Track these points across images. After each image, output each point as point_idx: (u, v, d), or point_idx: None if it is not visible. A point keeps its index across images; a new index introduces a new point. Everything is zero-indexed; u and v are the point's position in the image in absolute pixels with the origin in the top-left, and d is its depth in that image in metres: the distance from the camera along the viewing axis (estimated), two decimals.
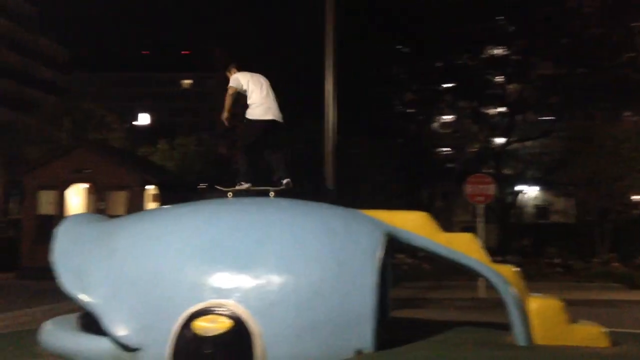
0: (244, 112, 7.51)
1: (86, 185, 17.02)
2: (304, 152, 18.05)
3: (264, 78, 7.61)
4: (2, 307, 9.85)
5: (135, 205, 16.29)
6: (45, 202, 16.48)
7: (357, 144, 20.13)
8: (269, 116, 7.42)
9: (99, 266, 5.83)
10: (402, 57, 27.43)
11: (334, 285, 5.52)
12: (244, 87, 7.46)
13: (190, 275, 5.50)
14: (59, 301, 9.94)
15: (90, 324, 5.78)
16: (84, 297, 5.63)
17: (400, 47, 27.01)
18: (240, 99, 7.59)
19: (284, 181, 7.46)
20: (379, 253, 5.68)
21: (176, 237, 5.84)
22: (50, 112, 27.84)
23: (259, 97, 7.42)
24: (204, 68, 67.39)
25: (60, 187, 16.40)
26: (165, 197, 18.00)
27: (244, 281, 5.42)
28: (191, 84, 70.84)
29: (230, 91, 7.45)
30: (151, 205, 17.29)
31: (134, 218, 6.56)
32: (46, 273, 15.37)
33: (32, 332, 6.77)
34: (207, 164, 25.26)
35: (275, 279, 5.45)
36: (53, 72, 54.17)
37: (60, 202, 16.43)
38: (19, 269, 16.25)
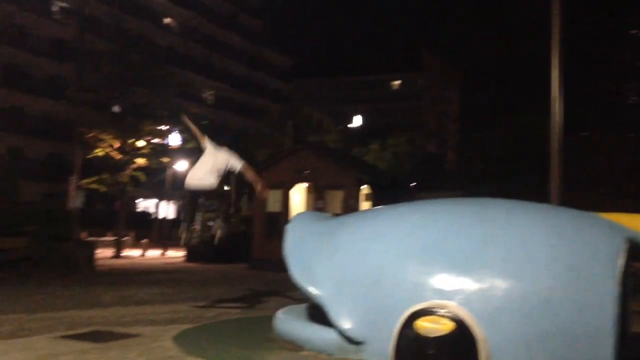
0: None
1: (306, 185, 18.16)
2: (527, 149, 17.13)
3: None
4: (243, 294, 10.88)
5: (350, 204, 16.96)
6: (272, 201, 17.93)
7: (586, 139, 18.50)
8: None
9: (324, 261, 6.16)
10: (636, 42, 24.58)
11: (566, 294, 5.10)
12: None
13: (411, 275, 5.52)
14: (287, 292, 10.76)
15: (318, 314, 6.12)
16: (312, 290, 5.99)
17: (635, 31, 24.21)
18: None
19: None
20: (621, 260, 5.12)
21: (398, 236, 5.92)
22: (275, 117, 30.36)
23: None
24: (412, 68, 67.84)
25: (285, 187, 17.72)
26: (378, 196, 18.46)
27: (467, 284, 5.28)
28: (400, 85, 71.84)
29: None
30: (365, 204, 17.85)
31: (357, 217, 6.80)
32: (274, 265, 16.80)
33: (266, 319, 7.40)
34: (417, 163, 25.36)
35: (501, 284, 5.22)
36: (277, 80, 59.09)
37: (285, 201, 17.75)
38: (252, 261, 17.93)
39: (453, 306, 5.19)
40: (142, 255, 25.20)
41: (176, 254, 25.15)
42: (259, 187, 8.57)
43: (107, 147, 24.67)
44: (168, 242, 27.59)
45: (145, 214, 45.27)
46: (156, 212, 39.55)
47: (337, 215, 12.99)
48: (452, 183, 26.19)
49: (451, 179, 26.64)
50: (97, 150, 24.81)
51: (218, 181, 8.22)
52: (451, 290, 5.28)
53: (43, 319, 7.52)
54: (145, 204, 49.38)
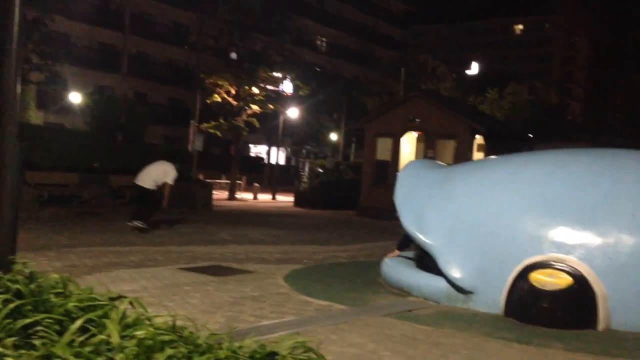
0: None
1: (417, 134, 17.83)
2: None
3: None
4: (349, 240, 11.04)
5: (462, 154, 16.47)
6: (382, 149, 17.84)
7: None
8: None
9: (437, 210, 6.06)
10: None
11: None
12: None
13: (529, 227, 5.30)
14: (394, 239, 10.78)
15: (426, 262, 6.08)
16: (422, 238, 5.93)
17: None
18: None
19: None
20: None
21: (517, 187, 5.68)
22: (388, 65, 29.79)
23: None
24: (537, 11, 63.49)
25: (396, 135, 17.51)
26: (493, 147, 17.78)
27: (589, 238, 5.00)
28: (523, 30, 67.62)
29: None
30: (478, 154, 17.27)
31: (473, 165, 6.61)
32: (381, 212, 16.81)
33: (373, 264, 7.47)
34: (538, 113, 23.99)
35: (627, 239, 4.89)
36: (392, 27, 57.77)
37: (395, 149, 17.57)
38: (359, 208, 18.09)
39: (572, 261, 4.95)
40: (254, 198, 26.20)
41: (285, 199, 25.94)
42: (164, 202, 10.36)
43: (224, 93, 25.54)
44: (278, 187, 28.47)
45: (257, 159, 46.89)
46: (268, 158, 40.81)
47: (449, 164, 12.66)
48: (575, 135, 24.63)
49: (574, 130, 25.05)
50: (214, 96, 25.75)
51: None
52: (572, 244, 5.02)
53: (166, 252, 8.07)
54: (257, 150, 51.10)
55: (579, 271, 4.87)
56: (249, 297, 5.41)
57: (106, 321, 2.58)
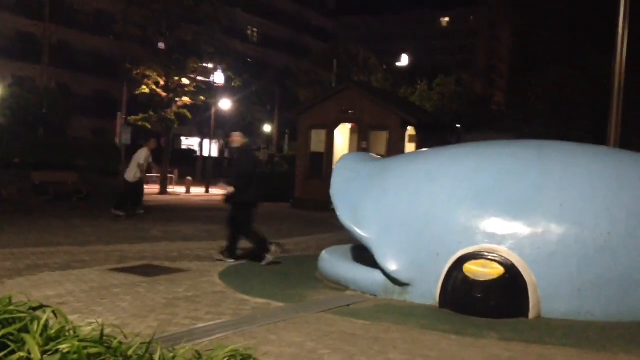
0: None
1: (350, 125, 17.91)
2: (585, 91, 16.38)
3: None
4: (286, 233, 10.96)
5: (394, 145, 16.71)
6: (315, 141, 17.82)
7: None
8: None
9: (372, 203, 6.06)
10: None
11: (626, 241, 4.91)
12: None
13: (462, 218, 5.38)
14: (329, 232, 10.80)
15: (363, 255, 6.08)
16: (358, 231, 5.92)
17: None
18: None
19: None
20: None
21: (449, 179, 5.76)
22: (320, 56, 29.78)
23: None
24: (463, 4, 65.30)
25: (329, 127, 17.52)
26: (424, 138, 18.12)
27: (519, 228, 5.13)
28: (449, 22, 69.35)
29: None
30: (409, 145, 17.56)
31: (406, 158, 6.64)
32: (316, 204, 16.80)
33: (309, 259, 7.43)
34: (465, 104, 24.67)
35: (556, 229, 5.05)
36: (322, 18, 57.85)
37: (329, 141, 17.59)
38: (294, 200, 18.02)
39: (503, 251, 5.06)
40: (187, 192, 25.66)
41: (219, 192, 25.55)
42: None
43: (153, 85, 24.80)
44: (212, 180, 28.00)
45: (189, 152, 45.96)
46: (200, 150, 40.08)
47: (383, 157, 12.73)
48: (500, 125, 25.47)
49: (499, 120, 25.92)
50: (142, 88, 24.97)
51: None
52: (503, 234, 5.14)
53: (94, 252, 7.73)
54: (189, 142, 50.08)
55: (509, 261, 4.99)
56: (183, 297, 5.24)
57: (25, 336, 2.38)
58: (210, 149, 31.15)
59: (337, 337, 4.17)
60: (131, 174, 12.27)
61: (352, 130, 18.05)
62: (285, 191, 18.77)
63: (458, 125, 23.38)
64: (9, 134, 15.57)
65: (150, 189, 23.92)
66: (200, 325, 4.30)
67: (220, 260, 7.38)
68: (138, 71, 24.93)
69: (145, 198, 18.88)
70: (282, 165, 22.42)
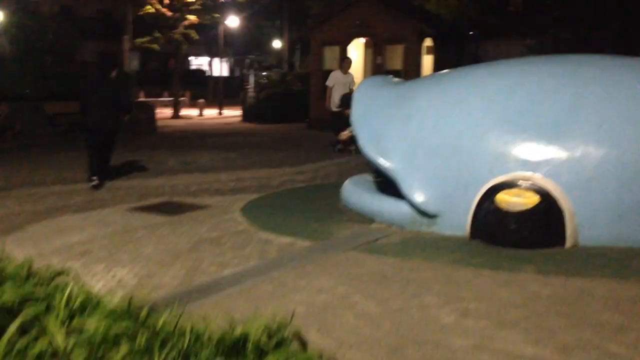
0: None
1: (364, 40, 17.25)
2: None
3: None
4: (304, 159, 10.69)
5: (411, 59, 16.13)
6: (329, 58, 17.23)
7: None
8: None
9: (396, 131, 5.78)
10: None
11: None
12: None
13: (492, 145, 5.11)
14: (348, 154, 10.58)
15: (388, 185, 5.88)
16: (382, 162, 5.68)
17: None
18: None
19: None
20: None
21: (478, 102, 5.43)
22: None
23: None
24: None
25: (343, 43, 16.88)
26: (441, 48, 17.46)
27: (555, 153, 4.85)
28: None
29: None
30: (426, 57, 16.95)
31: (431, 80, 6.27)
32: (329, 124, 16.47)
33: (331, 187, 7.25)
34: (484, 8, 23.49)
35: (593, 152, 4.77)
36: None
37: (343, 57, 16.98)
38: (309, 121, 17.70)
39: (538, 178, 4.81)
40: (200, 114, 25.41)
41: (232, 113, 25.27)
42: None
43: (157, 3, 23.97)
44: (224, 100, 27.66)
45: (199, 72, 45.24)
46: (210, 70, 39.38)
47: (401, 73, 12.18)
48: (520, 29, 24.31)
49: (517, 24, 24.71)
50: (147, 7, 24.15)
51: None
52: (537, 161, 4.87)
53: (113, 189, 7.63)
54: (198, 62, 49.17)
55: (545, 188, 4.76)
56: (207, 239, 5.13)
57: (48, 320, 2.24)
58: (221, 68, 30.55)
59: (368, 279, 4.04)
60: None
61: (366, 45, 17.41)
62: (301, 110, 18.39)
63: (471, 33, 22.38)
64: (17, 64, 15.20)
65: (163, 112, 23.75)
66: (227, 272, 4.19)
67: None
68: None
69: (159, 123, 18.73)
70: (295, 83, 21.84)
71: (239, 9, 32.74)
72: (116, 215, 6.06)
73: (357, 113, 6.24)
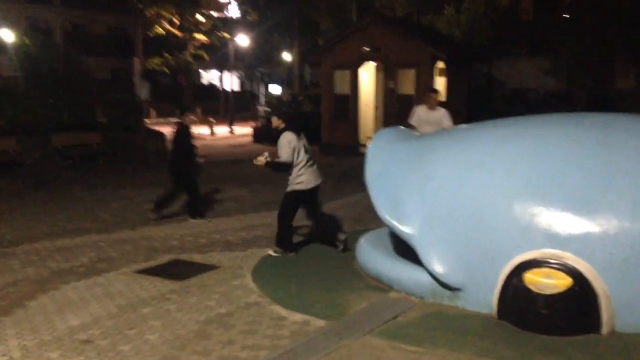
0: None
1: (375, 64, 16.97)
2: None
3: None
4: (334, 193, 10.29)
5: (423, 82, 15.80)
6: (340, 82, 16.91)
7: None
8: None
9: (413, 193, 5.47)
10: None
11: None
12: None
13: (518, 215, 4.78)
14: (361, 190, 10.24)
15: (404, 243, 5.56)
16: (400, 227, 5.38)
17: None
18: None
19: None
20: None
21: (502, 166, 5.10)
22: None
23: None
24: None
25: (353, 67, 16.60)
26: (454, 71, 17.12)
27: (586, 229, 4.52)
28: None
29: None
30: (439, 80, 16.62)
31: (450, 137, 5.94)
32: (344, 150, 16.23)
33: (348, 239, 6.94)
34: (496, 28, 23.13)
35: (629, 229, 4.43)
36: None
37: (354, 82, 16.71)
38: (321, 145, 17.42)
39: (570, 257, 4.48)
40: (211, 134, 25.23)
41: (243, 131, 25.11)
42: None
43: (167, 24, 23.92)
44: (235, 115, 27.52)
45: (210, 87, 45.20)
46: (221, 85, 39.27)
47: (413, 98, 11.74)
48: (532, 44, 23.93)
49: (530, 37, 24.29)
50: (156, 28, 24.11)
51: None
52: (567, 236, 4.54)
53: (121, 242, 7.38)
54: (209, 76, 49.13)
55: (577, 269, 4.43)
56: (216, 317, 4.84)
57: None
58: (232, 82, 30.34)
59: None
60: None
61: (377, 68, 17.14)
62: (312, 131, 18.04)
63: (483, 52, 21.96)
64: (27, 97, 15.02)
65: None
66: None
67: None
68: (151, 11, 24.03)
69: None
70: (307, 104, 21.60)
71: (248, 25, 32.63)
72: (121, 283, 5.79)
73: (372, 172, 5.95)
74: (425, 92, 9.12)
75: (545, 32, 24.41)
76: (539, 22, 27.66)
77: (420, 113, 9.12)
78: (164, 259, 6.66)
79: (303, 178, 6.53)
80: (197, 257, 6.71)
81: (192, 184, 8.53)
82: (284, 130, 6.59)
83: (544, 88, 21.83)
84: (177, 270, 6.22)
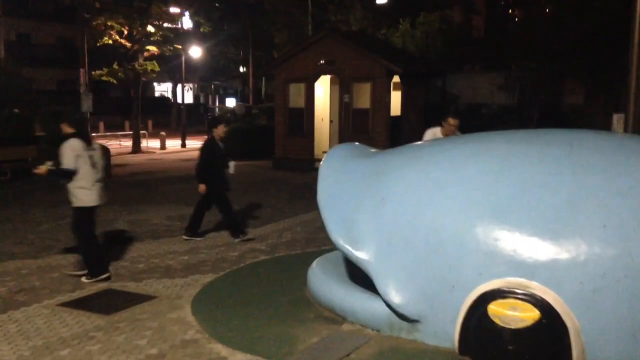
0: None
1: (330, 77, 16.63)
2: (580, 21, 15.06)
3: None
4: (268, 214, 9.91)
5: (379, 96, 15.55)
6: (294, 95, 16.51)
7: None
8: None
9: (368, 216, 5.02)
10: None
11: None
12: None
13: (480, 241, 4.38)
14: (314, 207, 9.79)
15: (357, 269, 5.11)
16: (353, 252, 4.92)
17: None
18: None
19: None
20: None
21: (461, 188, 4.70)
22: None
23: None
24: None
25: (308, 80, 16.21)
26: (409, 85, 16.93)
27: (554, 256, 4.14)
28: None
29: None
30: (394, 94, 16.38)
31: (407, 155, 5.51)
32: (297, 164, 15.79)
33: (298, 261, 6.46)
34: (450, 43, 23.20)
35: (599, 258, 4.07)
36: None
37: (309, 95, 16.32)
38: (274, 160, 16.92)
39: (537, 287, 4.10)
40: (162, 148, 24.40)
41: (196, 144, 24.36)
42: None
43: (116, 35, 22.99)
44: (188, 128, 26.77)
45: (162, 100, 44.17)
46: (174, 98, 38.34)
47: (368, 111, 11.44)
48: (485, 59, 24.04)
49: (482, 53, 24.45)
50: (104, 39, 23.15)
51: None
52: (533, 264, 4.16)
53: (47, 269, 6.68)
54: (161, 88, 48.07)
55: (545, 300, 4.05)
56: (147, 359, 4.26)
57: None
58: (184, 95, 29.53)
59: None
60: None
61: (332, 82, 16.79)
62: (267, 147, 17.58)
63: (437, 68, 21.96)
64: None
65: (123, 148, 22.69)
66: None
67: None
68: (99, 22, 23.09)
69: (118, 160, 17.69)
70: (261, 118, 21.10)
71: (202, 37, 31.93)
72: (41, 318, 5.13)
73: (325, 192, 5.47)
74: (447, 117, 7.53)
75: (497, 48, 24.63)
76: (492, 38, 27.98)
77: (434, 137, 7.52)
78: (93, 288, 6.01)
79: (86, 192, 6.10)
80: (132, 286, 6.08)
81: (219, 202, 8.00)
82: (73, 136, 6.12)
83: (497, 103, 21.96)
84: (107, 302, 5.59)
